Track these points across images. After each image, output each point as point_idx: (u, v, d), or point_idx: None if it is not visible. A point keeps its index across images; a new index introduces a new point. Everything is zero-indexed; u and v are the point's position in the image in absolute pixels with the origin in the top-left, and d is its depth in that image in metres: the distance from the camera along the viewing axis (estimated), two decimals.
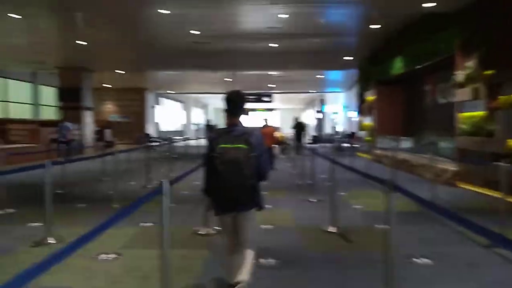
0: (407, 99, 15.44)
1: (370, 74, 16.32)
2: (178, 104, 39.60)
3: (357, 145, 18.06)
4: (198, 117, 47.01)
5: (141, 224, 5.60)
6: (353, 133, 22.50)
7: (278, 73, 21.56)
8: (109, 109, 27.88)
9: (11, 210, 6.32)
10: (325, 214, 5.82)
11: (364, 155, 16.25)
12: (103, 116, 26.84)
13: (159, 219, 3.02)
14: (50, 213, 4.85)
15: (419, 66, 12.23)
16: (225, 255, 3.18)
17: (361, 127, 17.85)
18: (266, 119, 12.80)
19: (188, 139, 21.73)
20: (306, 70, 20.67)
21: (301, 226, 5.60)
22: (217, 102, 44.22)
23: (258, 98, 28.69)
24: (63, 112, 18.63)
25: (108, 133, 22.67)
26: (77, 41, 14.28)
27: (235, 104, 3.00)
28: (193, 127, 42.86)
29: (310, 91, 30.10)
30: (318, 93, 32.00)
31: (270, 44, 14.87)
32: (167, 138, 25.48)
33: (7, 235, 5.07)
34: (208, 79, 24.21)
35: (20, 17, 11.54)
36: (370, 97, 16.31)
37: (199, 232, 5.15)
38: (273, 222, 5.63)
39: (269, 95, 28.99)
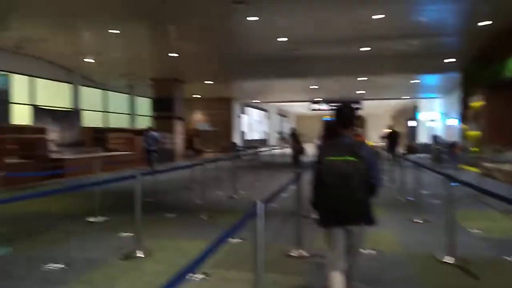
0: None
1: (476, 77, 14.51)
2: (262, 112, 39.92)
3: (459, 156, 16.20)
4: (281, 125, 46.93)
5: (229, 239, 5.25)
6: (454, 143, 20.35)
7: (367, 78, 20.33)
8: (198, 118, 28.92)
9: (104, 218, 6.42)
10: (436, 239, 4.97)
11: (470, 168, 14.44)
12: (193, 125, 27.90)
13: (252, 239, 2.63)
14: (139, 225, 4.72)
15: None
16: (329, 271, 2.93)
17: (465, 137, 15.95)
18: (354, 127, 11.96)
19: (273, 148, 21.48)
20: (400, 74, 19.19)
21: (410, 253, 4.79)
22: (300, 110, 43.83)
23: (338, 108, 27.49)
24: (156, 121, 19.62)
25: (196, 141, 23.41)
26: (169, 54, 14.88)
27: (345, 116, 2.98)
28: (276, 136, 42.85)
29: (402, 97, 28.09)
30: (411, 99, 29.73)
31: (361, 49, 14.00)
32: (252, 146, 25.64)
33: (98, 245, 5.06)
34: (292, 87, 23.87)
35: (119, 32, 12.27)
36: (476, 102, 14.49)
37: (291, 254, 4.64)
38: (376, 246, 4.90)
39: (357, 102, 27.72)
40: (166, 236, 5.44)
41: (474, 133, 14.80)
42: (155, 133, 14.42)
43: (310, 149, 20.75)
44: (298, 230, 4.72)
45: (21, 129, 14.30)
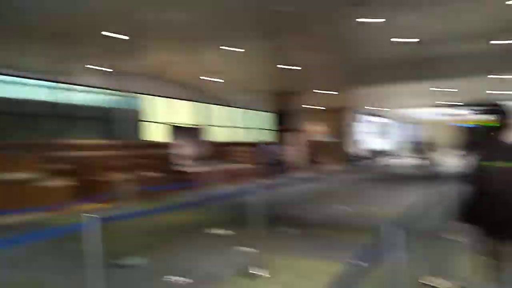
0: None
1: None
2: (384, 120, 37.70)
3: None
4: (406, 134, 43.62)
5: (347, 259, 4.78)
6: None
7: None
8: (316, 129, 28.57)
9: (228, 232, 6.50)
10: None
11: None
12: (311, 137, 27.65)
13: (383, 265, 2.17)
14: (262, 241, 4.61)
15: None
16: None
17: None
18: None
19: (397, 158, 19.89)
20: None
21: None
22: (428, 116, 40.05)
23: (486, 110, 24.19)
24: (277, 134, 19.94)
25: (316, 153, 23.08)
26: (289, 67, 14.99)
27: (503, 120, 2.82)
28: (400, 145, 39.97)
29: None
30: None
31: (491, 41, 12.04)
32: (374, 157, 24.24)
33: (222, 259, 5.08)
34: (418, 91, 21.88)
35: (243, 50, 12.81)
36: None
37: (429, 284, 3.96)
38: None
39: (496, 105, 24.11)
40: (290, 254, 5.23)
41: None
42: (269, 146, 14.52)
43: (443, 159, 18.60)
44: (437, 254, 4.02)
45: (158, 145, 15.90)
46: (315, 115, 28.14)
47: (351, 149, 27.13)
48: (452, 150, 33.81)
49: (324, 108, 27.24)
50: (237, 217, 7.79)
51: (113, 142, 14.75)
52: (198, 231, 6.68)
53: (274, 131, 20.43)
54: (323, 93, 21.16)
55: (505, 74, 16.93)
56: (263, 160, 14.04)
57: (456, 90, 22.06)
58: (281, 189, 9.32)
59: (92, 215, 2.98)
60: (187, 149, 17.60)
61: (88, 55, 13.04)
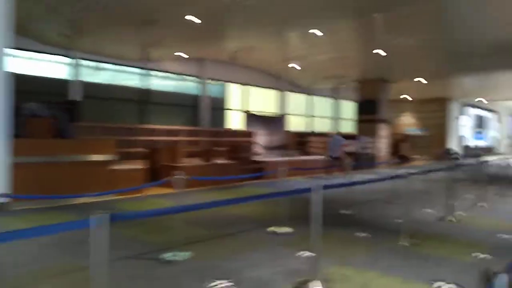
0: None
1: None
2: (489, 114, 33.51)
3: None
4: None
5: (434, 283, 3.76)
6: None
7: None
8: (407, 121, 26.31)
9: (288, 230, 5.76)
10: None
11: None
12: (400, 129, 25.55)
13: None
14: (319, 246, 3.83)
15: None
16: None
17: None
18: None
19: (505, 157, 17.24)
20: None
21: None
22: None
23: None
24: (359, 125, 18.55)
25: (404, 147, 21.13)
26: (375, 51, 13.60)
27: None
28: (509, 142, 35.29)
29: None
30: None
31: None
32: (476, 155, 21.53)
33: (274, 263, 4.38)
34: None
35: (322, 33, 11.87)
36: None
37: None
38: None
39: None
40: (353, 263, 4.34)
41: None
42: (339, 138, 13.28)
43: None
44: None
45: (232, 133, 15.68)
46: (407, 105, 25.93)
47: (447, 145, 24.52)
48: None
49: (418, 99, 24.93)
50: (305, 214, 7.02)
51: (190, 128, 14.86)
52: (256, 227, 6.05)
53: (358, 122, 19.03)
54: (419, 81, 19.15)
55: None
56: (336, 153, 12.94)
57: None
58: (359, 186, 8.20)
59: (101, 213, 2.51)
60: (263, 138, 17.19)
61: (173, 41, 13.15)
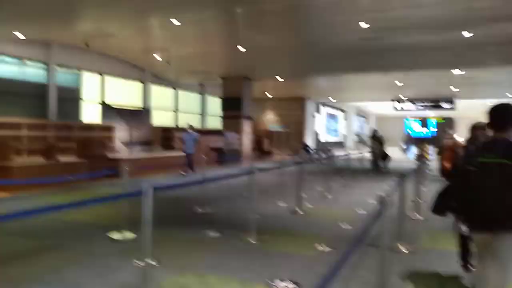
0: None
1: None
2: (339, 113, 37.58)
3: None
4: (360, 127, 44.01)
5: (273, 283, 3.70)
6: None
7: (463, 73, 17.28)
8: (269, 118, 27.71)
9: (132, 236, 5.19)
10: None
11: None
12: (263, 126, 26.76)
13: None
14: (149, 251, 3.40)
15: None
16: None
17: None
18: (448, 129, 9.97)
19: (350, 151, 19.32)
20: (506, 67, 15.93)
21: None
22: (381, 110, 40.49)
23: (436, 105, 24.40)
24: (224, 121, 18.72)
25: (266, 143, 22.14)
26: (237, 46, 13.72)
27: (500, 118, 2.79)
28: (354, 138, 40.16)
29: (504, 95, 23.96)
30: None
31: (463, 32, 11.52)
32: (326, 149, 23.72)
33: (107, 277, 3.81)
34: (373, 83, 21.48)
35: (180, 23, 11.40)
36: None
37: None
38: None
39: (450, 101, 24.38)
40: (196, 268, 4.05)
41: None
42: (194, 133, 13.04)
43: (394, 154, 18.30)
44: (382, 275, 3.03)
45: (85, 127, 14.16)
46: (269, 104, 27.26)
47: (304, 140, 26.55)
48: (403, 144, 34.34)
49: (279, 97, 26.40)
50: (159, 216, 6.39)
51: (34, 121, 12.89)
52: (95, 234, 5.34)
53: (223, 118, 19.18)
54: (279, 81, 20.15)
55: (469, 69, 16.67)
56: (190, 149, 12.69)
57: (416, 85, 21.95)
58: (211, 183, 8.01)
59: None
60: (124, 133, 16.00)
61: (9, 18, 11.07)
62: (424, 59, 14.64)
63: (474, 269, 2.95)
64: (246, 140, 18.83)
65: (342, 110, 37.88)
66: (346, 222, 6.20)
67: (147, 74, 18.82)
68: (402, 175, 5.30)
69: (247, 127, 19.00)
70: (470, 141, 3.98)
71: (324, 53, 14.71)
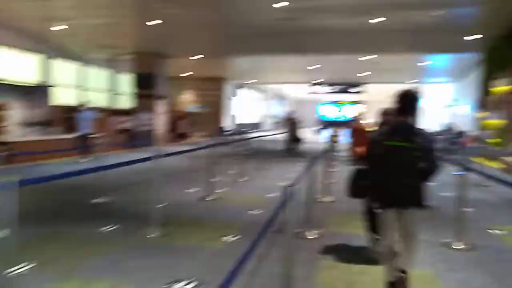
0: None
1: (504, 57, 12.49)
2: (257, 95, 37.82)
3: (472, 148, 14.42)
4: (278, 109, 44.92)
5: (173, 285, 3.35)
6: (462, 132, 18.51)
7: (372, 57, 18.05)
8: (187, 99, 26.83)
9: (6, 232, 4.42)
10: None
11: (486, 162, 12.61)
12: (181, 107, 25.87)
13: None
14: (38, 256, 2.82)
15: None
16: (385, 258, 3.09)
17: (482, 126, 14.07)
18: (358, 113, 9.82)
19: (267, 133, 19.47)
20: (412, 53, 16.95)
21: None
22: (299, 94, 41.65)
23: (347, 89, 25.58)
24: (137, 100, 17.60)
25: (182, 124, 21.39)
26: (150, 20, 12.74)
27: (405, 103, 3.00)
28: (272, 120, 40.88)
29: (408, 81, 25.91)
30: (416, 84, 27.44)
31: (370, 20, 11.94)
32: (243, 131, 23.69)
33: None
34: (290, 66, 21.77)
35: None
36: (500, 87, 12.55)
37: None
38: None
39: (360, 85, 25.70)
40: (84, 272, 3.53)
41: (495, 122, 12.91)
42: (89, 112, 11.62)
43: (309, 136, 18.85)
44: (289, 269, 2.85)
45: None
46: (188, 83, 26.32)
47: (224, 122, 26.21)
48: (316, 127, 35.74)
49: (198, 77, 25.57)
50: (41, 211, 5.61)
51: None
52: None
53: (135, 96, 18.00)
54: (197, 60, 19.34)
55: (379, 55, 17.40)
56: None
57: (329, 69, 22.62)
58: (114, 169, 7.28)
59: None
60: (18, 112, 14.20)
61: None
62: (336, 43, 14.98)
63: (382, 242, 3.17)
64: (160, 121, 17.93)
65: (262, 93, 38.17)
66: (257, 207, 6.03)
67: (48, 47, 16.79)
68: (312, 158, 5.24)
69: (161, 107, 18.07)
70: (380, 125, 4.03)
71: (241, 32, 14.34)
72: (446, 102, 24.52)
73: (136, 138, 14.98)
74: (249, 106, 35.59)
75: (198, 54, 18.47)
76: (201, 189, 7.10)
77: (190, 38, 15.66)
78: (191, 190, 7.25)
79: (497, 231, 5.13)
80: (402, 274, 2.89)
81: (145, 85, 17.18)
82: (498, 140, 12.56)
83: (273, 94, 42.01)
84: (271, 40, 14.92)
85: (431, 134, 14.82)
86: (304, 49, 16.35)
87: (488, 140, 13.04)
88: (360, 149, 4.57)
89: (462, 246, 4.44)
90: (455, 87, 23.95)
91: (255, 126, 35.38)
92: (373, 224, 3.92)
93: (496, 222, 5.61)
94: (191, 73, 24.71)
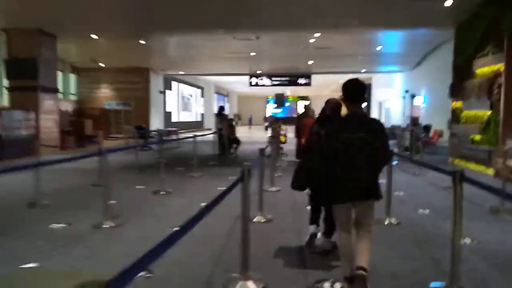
0: None
1: (493, 28, 9.48)
2: (196, 90, 33.79)
3: (448, 147, 11.75)
4: (220, 105, 41.20)
5: None
6: (427, 126, 15.93)
7: (319, 35, 14.62)
8: (104, 94, 22.30)
9: None
10: None
11: (474, 166, 9.84)
12: (96, 103, 21.38)
13: None
14: None
15: None
16: (341, 253, 2.99)
17: (460, 118, 11.26)
18: (306, 106, 8.46)
19: (200, 132, 15.58)
20: (369, 27, 13.70)
21: None
22: (241, 88, 38.09)
23: (292, 80, 22.55)
24: (10, 94, 13.06)
25: (88, 125, 16.98)
26: None
27: (354, 92, 2.94)
28: (213, 118, 37.09)
29: (356, 70, 23.12)
30: (365, 74, 24.83)
31: None
32: (172, 132, 19.81)
33: None
34: (226, 52, 18.04)
35: None
36: (489, 66, 9.70)
37: None
38: None
39: (305, 76, 22.69)
40: None
41: (479, 113, 10.10)
42: None
43: (247, 135, 15.98)
44: None
45: None
46: (103, 75, 21.84)
47: (149, 121, 22.04)
48: (265, 124, 32.50)
49: (116, 67, 21.20)
50: None
51: None
52: None
53: (8, 89, 13.41)
54: (111, 45, 15.06)
55: (327, 33, 14.16)
56: None
57: (271, 56, 19.40)
58: None
59: None
60: None
61: None
62: (279, 13, 11.46)
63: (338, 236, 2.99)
64: (49, 122, 13.43)
65: (199, 87, 34.20)
66: None
67: None
68: (244, 171, 3.09)
69: (50, 104, 13.58)
70: (326, 117, 3.66)
71: (160, 1, 10.44)
72: (402, 92, 22.13)
73: (3, 146, 10.61)
74: (186, 102, 31.55)
75: (101, 34, 14.10)
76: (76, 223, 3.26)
77: (87, 10, 11.41)
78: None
79: None
80: (362, 272, 2.70)
81: (23, 74, 12.61)
82: (484, 136, 9.77)
83: (215, 88, 38.16)
84: (197, 11, 11.20)
85: (393, 128, 12.37)
86: (238, 24, 12.76)
87: (473, 137, 10.17)
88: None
89: None
90: (409, 76, 21.67)
91: (194, 125, 31.46)
92: (316, 217, 3.92)
93: None
94: (107, 62, 20.28)
